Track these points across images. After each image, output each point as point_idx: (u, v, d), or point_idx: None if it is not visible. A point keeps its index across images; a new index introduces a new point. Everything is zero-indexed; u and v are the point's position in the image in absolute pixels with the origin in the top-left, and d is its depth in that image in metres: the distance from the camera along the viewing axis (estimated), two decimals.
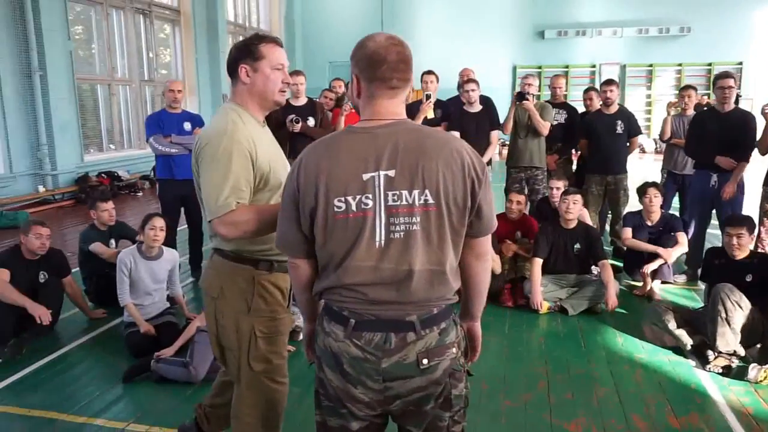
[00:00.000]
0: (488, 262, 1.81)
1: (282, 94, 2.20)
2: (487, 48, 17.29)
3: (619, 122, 5.86)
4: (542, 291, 4.71)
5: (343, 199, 1.60)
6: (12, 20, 9.41)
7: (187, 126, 5.40)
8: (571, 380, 3.64)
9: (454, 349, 1.70)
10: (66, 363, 3.96)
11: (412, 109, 6.09)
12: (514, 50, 17.82)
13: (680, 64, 17.55)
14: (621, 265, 5.56)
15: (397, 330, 1.63)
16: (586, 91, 6.59)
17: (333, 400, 1.73)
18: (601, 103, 6.07)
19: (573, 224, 4.83)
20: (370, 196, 1.59)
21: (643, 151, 15.92)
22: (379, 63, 1.62)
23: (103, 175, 10.94)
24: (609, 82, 5.95)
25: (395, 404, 1.69)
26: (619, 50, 17.59)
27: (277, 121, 5.75)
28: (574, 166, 6.73)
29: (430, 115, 5.97)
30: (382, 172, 1.59)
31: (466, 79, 6.02)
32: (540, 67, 17.46)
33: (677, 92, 6.95)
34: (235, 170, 2.00)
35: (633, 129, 5.99)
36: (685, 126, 5.94)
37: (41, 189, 9.90)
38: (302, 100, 5.84)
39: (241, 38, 11.56)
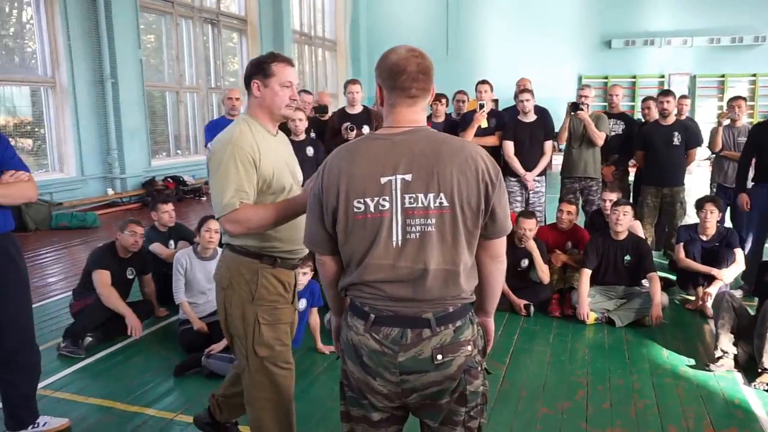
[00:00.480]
0: (502, 264, 1.89)
1: (289, 108, 2.42)
2: (553, 57, 17.11)
3: (677, 133, 5.77)
4: (590, 302, 4.70)
5: (362, 200, 1.71)
6: (87, 30, 10.00)
7: None
8: (611, 390, 3.63)
9: (469, 347, 1.77)
10: (124, 355, 4.22)
11: (467, 119, 6.19)
12: (580, 60, 17.58)
13: (754, 75, 16.92)
14: (674, 278, 5.47)
15: (414, 326, 1.72)
16: (644, 101, 6.51)
17: (355, 391, 1.83)
18: (658, 113, 5.98)
19: (623, 236, 4.79)
20: (388, 198, 1.70)
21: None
22: (399, 73, 1.73)
23: (169, 179, 11.38)
24: (666, 92, 5.87)
25: (412, 397, 1.77)
26: (689, 60, 17.10)
27: (334, 129, 5.96)
28: (632, 178, 6.63)
29: (484, 124, 6.05)
30: (399, 176, 1.69)
31: (521, 89, 6.06)
32: (606, 77, 17.16)
33: (727, 103, 6.70)
34: (238, 174, 2.24)
35: (691, 140, 5.88)
36: (735, 137, 5.80)
37: (110, 192, 10.43)
38: (358, 108, 6.01)
39: (306, 47, 12.03)
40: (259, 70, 2.36)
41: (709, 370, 3.84)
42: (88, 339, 4.27)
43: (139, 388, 3.71)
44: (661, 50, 17.04)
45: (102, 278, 4.34)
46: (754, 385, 3.64)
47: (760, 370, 3.66)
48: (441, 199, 1.69)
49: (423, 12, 18.53)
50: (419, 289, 1.72)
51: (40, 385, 3.65)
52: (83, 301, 4.41)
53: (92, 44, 10.09)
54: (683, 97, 6.97)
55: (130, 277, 4.62)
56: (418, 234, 1.70)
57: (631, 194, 6.39)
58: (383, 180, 1.70)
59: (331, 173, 1.76)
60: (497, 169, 1.76)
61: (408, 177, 1.69)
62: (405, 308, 1.73)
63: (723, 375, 3.83)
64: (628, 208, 4.76)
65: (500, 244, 1.84)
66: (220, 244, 4.54)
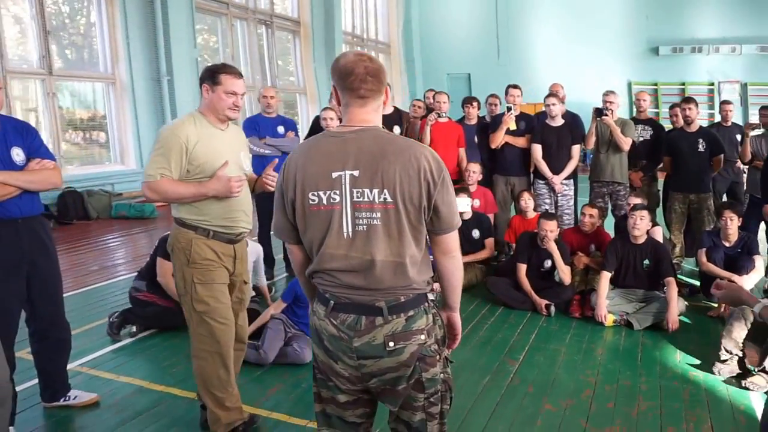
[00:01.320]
0: (456, 259, 1.97)
1: (232, 111, 2.86)
2: (601, 64, 16.89)
3: (701, 141, 5.75)
4: (609, 304, 4.77)
5: (315, 193, 1.84)
6: (145, 30, 10.51)
7: (281, 129, 5.87)
8: (617, 391, 3.71)
9: (422, 336, 1.87)
10: (158, 338, 4.50)
11: (496, 121, 6.30)
12: (628, 66, 17.29)
13: None
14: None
15: (368, 313, 1.84)
16: (671, 108, 6.47)
17: (323, 373, 1.97)
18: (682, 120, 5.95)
19: (642, 240, 4.83)
20: (338, 192, 1.83)
21: None
22: (348, 75, 1.84)
23: None
24: (687, 100, 5.89)
25: (372, 382, 1.89)
26: (738, 68, 16.60)
27: None
28: (661, 184, 6.61)
29: (513, 126, 6.15)
30: (348, 172, 1.82)
31: (548, 94, 6.13)
32: (656, 84, 16.83)
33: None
34: (165, 152, 2.74)
35: (716, 148, 5.84)
36: (767, 146, 5.71)
37: None
38: (389, 110, 6.16)
39: (358, 48, 12.38)
40: (210, 76, 2.83)
41: (713, 372, 3.87)
42: (132, 328, 4.52)
43: (168, 369, 3.99)
44: (709, 57, 16.63)
45: (166, 268, 4.49)
46: (744, 384, 3.71)
47: (757, 370, 3.71)
48: (385, 194, 1.80)
49: (474, 17, 18.54)
50: (370, 278, 1.83)
51: (78, 362, 4.02)
52: (159, 297, 4.56)
53: (150, 43, 10.60)
54: (725, 102, 6.88)
55: None
56: (365, 227, 1.82)
57: (660, 200, 6.36)
58: (334, 175, 1.83)
59: (290, 167, 1.91)
60: (441, 169, 1.84)
61: (356, 173, 1.81)
62: (360, 296, 1.85)
63: (731, 380, 3.85)
64: (645, 213, 4.80)
65: (450, 240, 1.93)
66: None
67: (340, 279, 1.86)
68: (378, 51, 18.34)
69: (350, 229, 1.83)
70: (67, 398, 3.42)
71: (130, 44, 10.33)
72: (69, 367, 3.77)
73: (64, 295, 5.31)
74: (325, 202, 1.84)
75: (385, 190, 1.80)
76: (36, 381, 3.45)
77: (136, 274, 4.92)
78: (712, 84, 16.76)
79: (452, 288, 2.03)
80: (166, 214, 9.44)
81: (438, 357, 1.93)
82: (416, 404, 1.92)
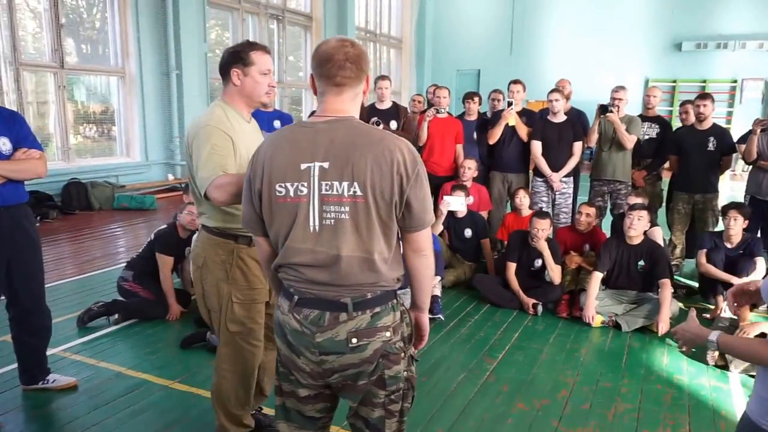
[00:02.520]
0: (427, 258, 1.88)
1: (268, 95, 2.51)
2: (619, 60, 16.49)
3: (712, 139, 5.58)
4: (598, 305, 4.65)
5: (283, 184, 1.77)
6: (155, 24, 10.53)
7: (277, 123, 5.87)
8: (596, 393, 3.60)
9: (387, 333, 1.81)
10: (140, 327, 4.48)
11: (496, 117, 6.20)
12: (647, 62, 16.82)
13: None
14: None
15: (332, 309, 1.78)
16: (681, 105, 6.28)
17: (285, 367, 1.93)
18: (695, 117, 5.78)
19: (637, 241, 4.69)
20: (306, 184, 1.75)
21: None
22: (327, 61, 1.76)
23: None
24: (704, 96, 5.68)
25: (334, 377, 1.84)
26: (764, 65, 16.05)
27: None
28: (666, 183, 6.44)
29: (512, 122, 6.03)
30: (317, 164, 1.74)
31: (552, 89, 6.00)
32: (675, 81, 16.42)
33: None
34: (216, 148, 2.33)
35: (726, 147, 5.66)
36: None
37: (170, 177, 10.96)
38: (387, 104, 6.13)
39: (371, 44, 12.27)
40: (238, 59, 2.44)
41: (706, 362, 3.88)
42: (115, 316, 4.51)
43: (147, 357, 3.98)
44: (734, 54, 16.06)
45: (166, 263, 4.64)
46: (708, 360, 3.94)
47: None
48: (355, 188, 1.72)
49: (491, 11, 18.27)
50: (335, 274, 1.76)
51: (63, 347, 4.04)
52: (143, 289, 4.66)
53: (160, 38, 10.62)
54: None
55: (187, 255, 4.84)
56: (333, 221, 1.75)
57: (664, 200, 6.19)
58: (303, 166, 1.75)
59: (258, 157, 1.84)
60: (415, 163, 1.76)
61: (325, 165, 1.73)
62: (324, 292, 1.79)
63: (719, 386, 3.73)
64: (644, 213, 4.66)
65: (421, 238, 1.85)
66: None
67: (304, 274, 1.80)
68: (390, 46, 18.25)
69: (317, 223, 1.76)
70: (45, 381, 3.45)
71: (140, 39, 10.37)
72: (53, 351, 3.86)
73: (64, 281, 5.50)
74: (292, 194, 1.77)
75: (355, 183, 1.72)
76: (17, 365, 3.47)
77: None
78: (735, 81, 16.27)
79: (421, 288, 1.95)
80: (165, 205, 9.51)
81: (403, 355, 1.87)
82: (376, 401, 1.87)
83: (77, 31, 10.30)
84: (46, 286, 3.43)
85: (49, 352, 3.60)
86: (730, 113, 15.80)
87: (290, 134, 1.83)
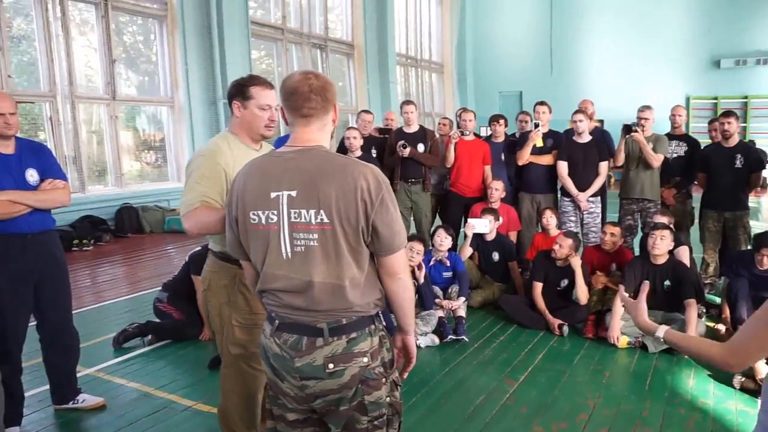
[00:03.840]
0: (402, 281, 1.89)
1: (268, 129, 2.58)
2: (659, 78, 16.28)
3: (739, 156, 5.49)
4: (623, 325, 4.60)
5: (256, 212, 1.83)
6: (202, 56, 11.02)
7: None
8: (616, 416, 3.57)
9: (365, 359, 1.83)
10: (173, 347, 4.68)
11: (524, 138, 6.24)
12: (687, 80, 16.57)
13: None
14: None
15: (309, 334, 1.82)
16: (710, 122, 6.20)
17: (273, 391, 1.97)
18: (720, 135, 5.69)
19: (662, 260, 4.64)
20: (276, 212, 1.81)
21: None
22: (292, 94, 1.84)
23: None
24: (728, 113, 5.62)
25: (317, 402, 1.87)
26: None
27: (391, 147, 6.24)
28: (697, 201, 6.31)
29: (539, 143, 6.07)
30: (285, 192, 1.79)
31: (575, 110, 6.01)
32: (716, 98, 16.07)
33: None
34: (202, 179, 2.43)
35: (754, 164, 5.55)
36: None
37: None
38: (414, 128, 6.25)
39: (412, 69, 12.56)
40: (239, 92, 2.54)
41: (733, 386, 3.81)
42: (149, 337, 4.72)
43: (175, 377, 4.16)
44: None
45: (200, 285, 4.81)
46: (734, 383, 3.83)
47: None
48: (321, 215, 1.76)
49: (529, 34, 18.34)
50: (309, 300, 1.80)
51: (96, 367, 4.25)
52: (176, 310, 4.82)
53: (207, 69, 11.11)
54: None
55: None
56: (303, 248, 1.80)
57: (696, 218, 6.08)
58: (272, 195, 1.81)
59: (234, 186, 1.92)
60: (379, 189, 1.78)
61: (293, 193, 1.79)
62: (301, 317, 1.83)
63: (744, 410, 3.64)
64: (666, 233, 4.61)
65: (394, 261, 1.86)
66: None
67: (282, 299, 1.85)
68: (432, 71, 18.44)
69: (289, 250, 1.81)
70: (75, 401, 3.63)
71: (188, 70, 10.87)
72: (88, 371, 4.10)
73: (115, 300, 5.77)
74: (263, 221, 1.82)
75: (322, 211, 1.76)
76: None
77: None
78: None
79: (402, 311, 1.96)
80: None
81: (384, 380, 1.89)
82: (360, 426, 1.88)
83: (136, 65, 10.87)
84: (98, 305, 3.58)
85: (85, 372, 3.83)
86: None
87: (261, 163, 1.90)
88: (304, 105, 1.83)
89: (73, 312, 5.41)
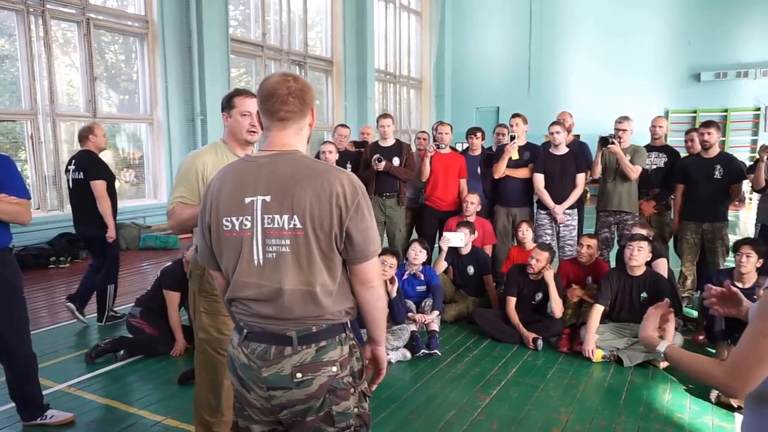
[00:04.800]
0: (375, 289, 1.85)
1: (250, 134, 2.78)
2: (638, 92, 16.25)
3: (718, 167, 5.44)
4: (598, 339, 4.52)
5: (229, 219, 1.79)
6: (181, 73, 10.93)
7: None
8: (589, 430, 3.48)
9: (333, 368, 1.77)
10: (145, 363, 4.55)
11: (500, 151, 6.20)
12: (666, 94, 16.56)
13: None
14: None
15: (278, 343, 1.76)
16: (687, 133, 6.17)
17: (239, 402, 1.91)
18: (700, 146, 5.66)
19: (639, 272, 4.58)
20: (249, 218, 1.76)
21: None
22: (270, 96, 1.79)
23: None
24: (708, 123, 5.56)
25: (283, 413, 1.80)
26: None
27: (366, 161, 6.17)
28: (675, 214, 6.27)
29: (515, 156, 6.02)
30: (260, 197, 1.75)
31: (553, 122, 5.98)
32: (695, 112, 16.10)
33: None
34: (182, 181, 2.70)
35: (734, 174, 5.50)
36: None
37: None
38: (390, 141, 6.19)
39: (390, 85, 12.59)
40: (226, 104, 2.82)
41: (710, 400, 3.81)
42: (121, 352, 4.59)
43: (145, 392, 4.05)
44: (756, 82, 15.65)
45: (173, 300, 4.72)
46: (711, 397, 3.84)
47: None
48: (294, 220, 1.72)
49: (507, 49, 18.34)
50: (280, 307, 1.76)
51: (68, 383, 4.17)
52: (148, 326, 4.74)
53: (186, 86, 11.02)
54: None
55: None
56: (275, 254, 1.75)
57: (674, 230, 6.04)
58: (247, 200, 1.77)
59: (209, 191, 1.86)
60: (355, 195, 1.75)
61: (267, 198, 1.75)
62: (271, 325, 1.78)
63: (721, 425, 3.56)
64: (644, 244, 4.55)
65: (368, 269, 1.82)
66: None
67: (251, 308, 1.80)
68: (410, 87, 18.47)
69: (261, 257, 1.76)
70: (44, 417, 3.54)
71: (168, 88, 10.78)
72: (59, 387, 4.05)
73: (88, 317, 5.59)
74: (237, 228, 1.78)
75: (295, 216, 1.72)
76: None
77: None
78: (758, 109, 15.84)
79: (374, 320, 1.91)
80: (188, 244, 9.68)
81: (353, 390, 1.83)
82: None
83: (117, 83, 10.78)
84: (72, 321, 3.50)
85: (55, 387, 3.78)
86: (754, 141, 15.43)
87: (236, 168, 1.85)
88: (282, 108, 1.80)
89: (48, 328, 5.30)
